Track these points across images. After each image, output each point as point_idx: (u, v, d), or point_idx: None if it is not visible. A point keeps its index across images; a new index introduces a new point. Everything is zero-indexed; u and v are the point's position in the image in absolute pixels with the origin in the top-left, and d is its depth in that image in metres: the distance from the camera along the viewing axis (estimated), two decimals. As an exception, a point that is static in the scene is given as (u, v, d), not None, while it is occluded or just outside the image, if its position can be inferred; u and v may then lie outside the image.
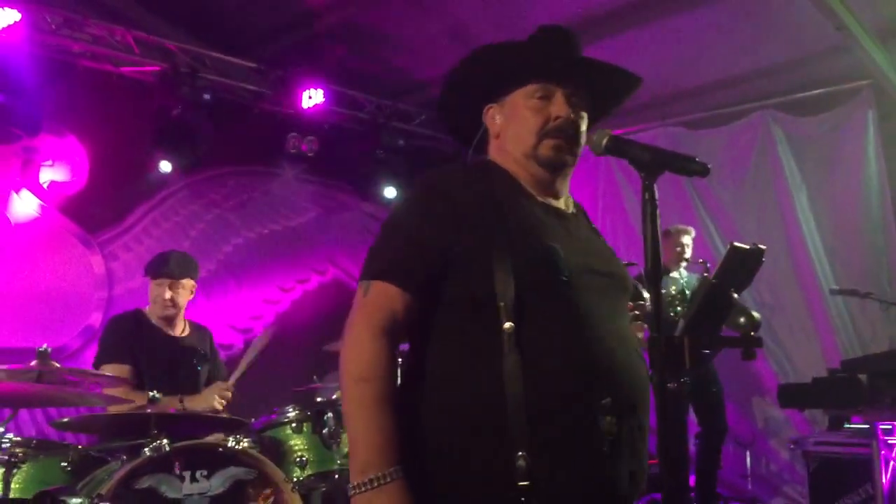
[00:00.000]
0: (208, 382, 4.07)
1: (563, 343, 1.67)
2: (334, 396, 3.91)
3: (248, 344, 6.34)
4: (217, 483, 2.95)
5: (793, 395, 5.10)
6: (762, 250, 1.83)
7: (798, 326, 5.98)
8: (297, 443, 3.51)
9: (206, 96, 5.88)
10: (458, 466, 1.65)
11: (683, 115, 6.49)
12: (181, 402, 3.62)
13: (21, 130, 5.33)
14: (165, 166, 5.94)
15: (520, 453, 1.57)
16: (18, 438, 3.09)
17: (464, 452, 1.65)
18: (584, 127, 1.90)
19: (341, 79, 6.61)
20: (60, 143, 5.69)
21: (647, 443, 1.76)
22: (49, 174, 5.64)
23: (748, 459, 5.84)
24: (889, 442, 4.41)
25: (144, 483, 2.83)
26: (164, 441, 2.89)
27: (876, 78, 5.74)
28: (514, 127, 1.88)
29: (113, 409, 3.57)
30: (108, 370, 3.67)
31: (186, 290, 4.06)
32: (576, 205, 2.00)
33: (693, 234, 5.54)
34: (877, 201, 5.75)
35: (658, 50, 5.99)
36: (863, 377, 4.64)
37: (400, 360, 1.81)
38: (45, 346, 3.10)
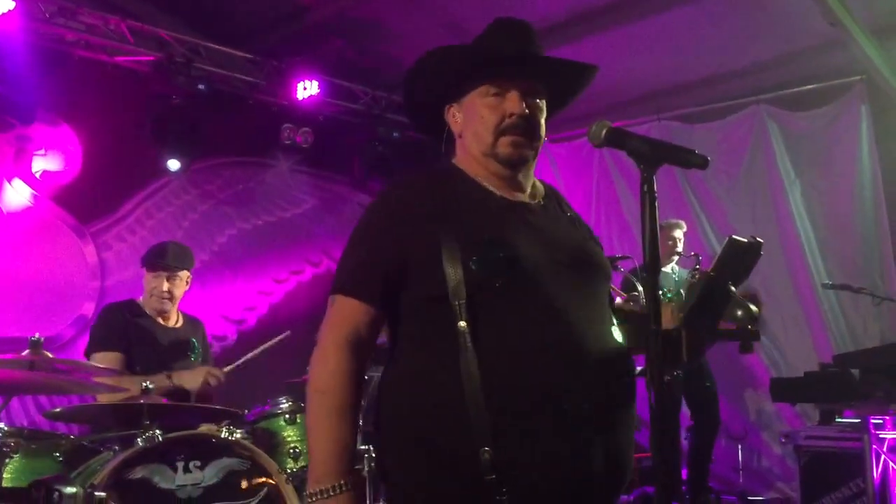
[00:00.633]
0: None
1: (519, 336, 1.69)
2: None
3: (241, 336, 6.35)
4: (210, 474, 2.94)
5: (785, 390, 5.12)
6: (760, 244, 1.83)
7: (790, 320, 6.00)
8: (291, 434, 3.50)
9: (201, 87, 5.86)
10: (430, 467, 1.70)
11: (678, 110, 6.49)
12: (169, 378, 3.63)
13: (14, 119, 5.30)
14: (174, 165, 5.91)
15: (484, 448, 1.60)
16: (10, 428, 3.08)
17: (433, 453, 1.69)
18: (542, 119, 1.90)
19: (337, 70, 6.60)
20: (54, 132, 5.66)
21: (629, 428, 1.77)
22: (42, 163, 5.62)
23: (740, 453, 5.86)
24: (880, 436, 4.42)
25: (137, 473, 2.82)
26: (157, 431, 2.89)
27: (869, 73, 5.76)
28: (471, 126, 1.89)
29: (105, 398, 3.57)
30: (100, 358, 3.66)
31: (183, 281, 4.05)
32: (547, 192, 1.99)
33: (685, 227, 5.55)
34: (870, 196, 5.76)
35: (653, 44, 5.99)
36: (854, 372, 4.66)
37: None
38: (37, 335, 3.09)
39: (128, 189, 6.04)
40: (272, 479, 3.05)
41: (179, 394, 3.70)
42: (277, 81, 6.31)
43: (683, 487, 5.18)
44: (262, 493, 3.02)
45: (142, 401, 3.02)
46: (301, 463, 3.44)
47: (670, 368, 1.57)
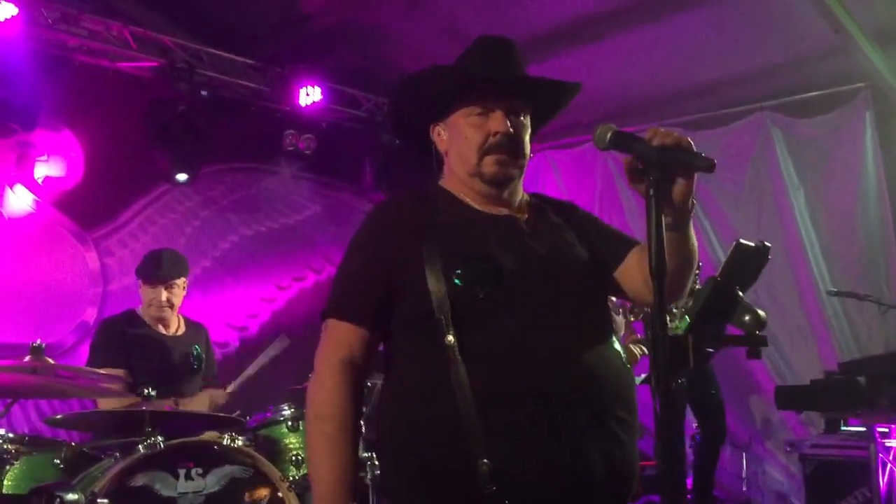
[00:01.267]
0: (201, 380, 4.04)
1: (506, 347, 1.70)
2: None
3: (244, 342, 6.34)
4: (212, 481, 2.93)
5: (790, 397, 5.09)
6: (768, 248, 1.81)
7: (795, 328, 5.97)
8: (293, 441, 3.47)
9: (204, 93, 5.87)
10: (427, 480, 1.71)
11: (682, 116, 6.47)
12: (176, 404, 3.62)
13: (16, 125, 5.29)
14: (182, 177, 5.91)
15: (483, 461, 1.60)
16: (11, 435, 3.06)
17: (430, 467, 1.70)
18: (526, 137, 1.92)
19: (339, 77, 6.60)
20: (56, 138, 5.66)
21: (630, 436, 1.76)
22: (44, 169, 5.61)
23: (744, 461, 5.83)
24: (886, 445, 4.41)
25: (139, 481, 2.81)
26: (159, 438, 2.87)
27: (874, 80, 5.74)
28: (456, 145, 1.92)
29: (105, 404, 3.55)
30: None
31: (180, 288, 4.04)
32: (534, 204, 2.00)
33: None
34: (874, 203, 5.74)
35: (656, 51, 5.99)
36: (860, 379, 4.64)
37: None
38: (38, 341, 3.08)
39: (130, 195, 6.02)
40: (274, 486, 3.04)
41: None
42: (280, 88, 6.29)
43: (689, 496, 5.15)
44: (264, 501, 3.00)
45: (144, 408, 3.01)
46: (303, 470, 3.41)
47: (676, 375, 1.55)
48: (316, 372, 1.82)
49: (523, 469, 1.63)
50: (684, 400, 5.06)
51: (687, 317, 1.92)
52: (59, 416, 3.24)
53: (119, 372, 3.72)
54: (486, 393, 1.65)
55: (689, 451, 5.37)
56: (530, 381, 1.67)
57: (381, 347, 1.91)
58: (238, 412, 3.63)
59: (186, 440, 3.05)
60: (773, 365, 5.96)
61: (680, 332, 1.95)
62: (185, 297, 4.12)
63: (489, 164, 1.86)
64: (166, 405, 3.54)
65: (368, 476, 3.34)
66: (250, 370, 3.99)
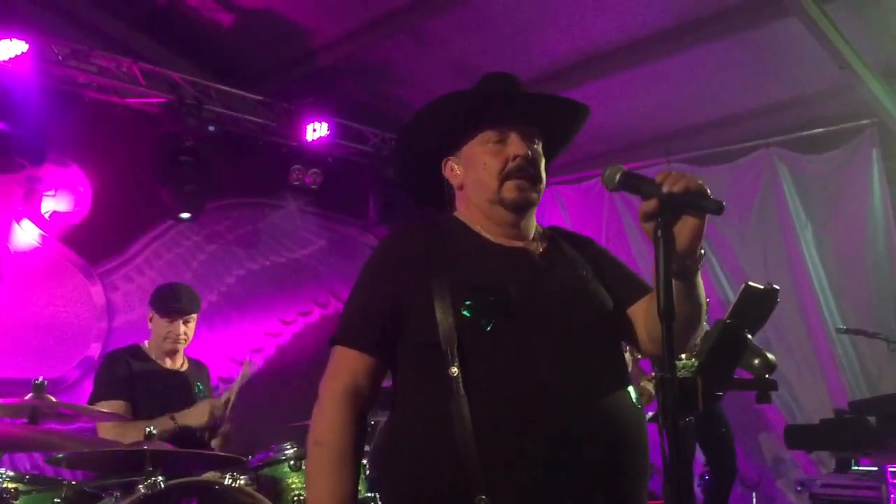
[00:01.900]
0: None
1: (511, 382, 1.67)
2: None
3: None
4: (213, 521, 2.88)
5: (800, 437, 5.02)
6: (777, 290, 1.79)
7: (804, 366, 5.92)
8: (295, 481, 3.43)
9: (211, 128, 5.89)
10: None
11: (688, 152, 6.48)
12: (173, 419, 3.59)
13: (25, 160, 5.32)
14: (185, 215, 5.93)
15: (481, 496, 1.58)
16: (11, 473, 3.03)
17: (427, 499, 1.68)
18: (542, 164, 1.91)
19: (346, 112, 6.63)
20: (64, 173, 5.68)
21: (640, 478, 1.72)
22: (51, 204, 5.63)
23: (754, 501, 5.75)
24: (898, 485, 4.33)
25: (139, 521, 2.76)
26: (160, 478, 2.84)
27: (880, 116, 5.75)
28: (474, 174, 1.90)
29: (105, 431, 3.53)
30: (104, 407, 3.62)
31: (194, 322, 4.04)
32: (549, 236, 1.98)
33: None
34: (882, 239, 5.72)
35: (662, 87, 6.01)
36: (871, 419, 4.57)
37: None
38: (41, 378, 3.06)
39: (136, 230, 6.03)
40: (276, 527, 2.99)
41: (186, 435, 3.65)
42: (287, 123, 6.33)
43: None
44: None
45: (145, 447, 2.98)
46: (306, 510, 3.37)
47: (683, 416, 1.52)
48: (320, 398, 1.81)
49: None
50: (693, 438, 5.01)
51: (695, 359, 1.90)
52: (60, 455, 3.20)
53: (121, 405, 3.69)
54: (488, 427, 1.63)
55: (698, 490, 5.31)
56: (533, 419, 1.64)
57: (387, 383, 1.89)
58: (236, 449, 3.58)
59: (187, 480, 3.00)
60: (782, 403, 5.90)
61: (690, 370, 1.92)
62: (190, 332, 4.11)
63: (510, 190, 1.85)
64: (164, 423, 3.52)
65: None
66: (229, 395, 3.94)
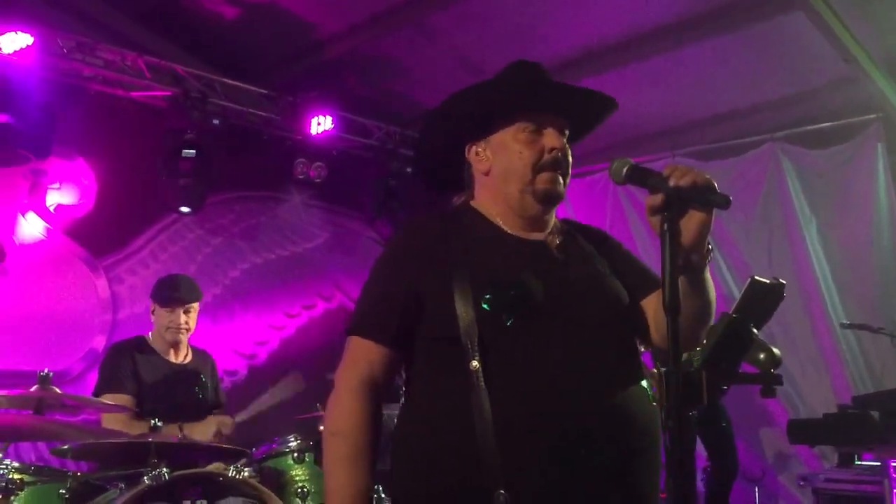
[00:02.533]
0: (209, 409, 4.03)
1: (531, 376, 1.67)
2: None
3: (252, 370, 6.32)
4: (217, 513, 2.90)
5: (803, 431, 5.03)
6: (783, 285, 1.79)
7: (808, 361, 5.92)
8: (299, 473, 3.45)
9: (216, 121, 5.89)
10: None
11: (693, 146, 6.47)
12: (181, 429, 3.59)
13: (30, 153, 5.32)
14: (184, 209, 5.94)
15: (500, 491, 1.57)
16: (17, 464, 3.05)
17: (445, 493, 1.67)
18: (570, 158, 1.90)
19: (350, 105, 6.64)
20: (69, 166, 5.70)
21: (653, 473, 1.72)
22: (56, 197, 5.64)
23: (757, 495, 5.75)
24: (901, 480, 4.33)
25: (144, 512, 2.78)
26: (164, 469, 2.85)
27: (885, 111, 5.74)
28: (505, 162, 1.87)
29: (110, 423, 3.54)
30: (108, 400, 3.63)
31: (196, 312, 4.05)
32: (566, 230, 1.97)
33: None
34: (887, 234, 5.71)
35: (668, 82, 6.01)
36: (874, 413, 4.57)
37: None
38: (46, 370, 3.07)
39: (141, 223, 6.04)
40: (280, 519, 3.01)
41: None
42: (291, 116, 6.33)
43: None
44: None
45: (150, 438, 2.99)
46: (309, 502, 3.39)
47: (688, 409, 1.52)
48: (336, 388, 1.80)
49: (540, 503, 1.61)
50: (695, 433, 5.01)
51: (688, 353, 1.90)
52: (65, 447, 3.22)
53: (125, 398, 3.70)
54: (508, 422, 1.62)
55: (700, 484, 5.31)
56: (552, 414, 1.64)
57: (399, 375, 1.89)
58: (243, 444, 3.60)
59: (192, 471, 3.03)
60: (786, 398, 5.90)
61: (695, 363, 1.93)
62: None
63: (543, 182, 1.84)
64: (171, 431, 3.53)
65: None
66: (264, 405, 3.96)
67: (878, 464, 4.48)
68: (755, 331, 1.79)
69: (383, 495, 3.22)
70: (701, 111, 6.37)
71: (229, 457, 3.35)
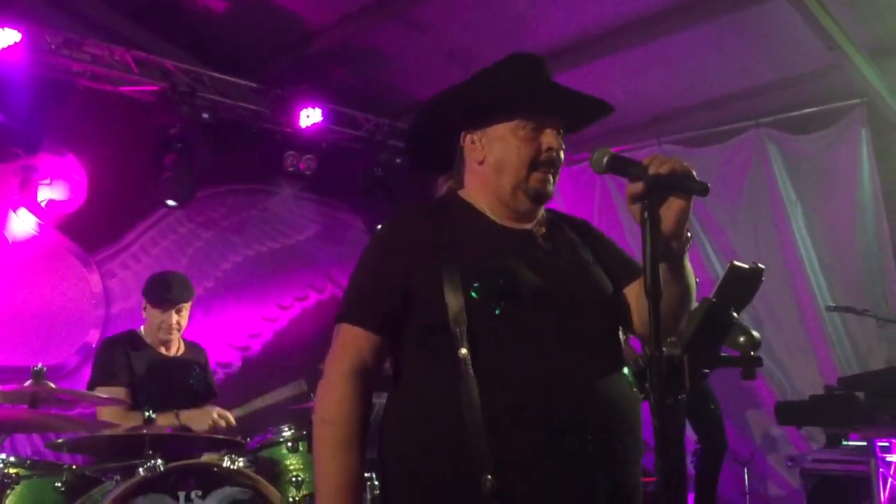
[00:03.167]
0: (202, 400, 4.06)
1: (520, 365, 1.69)
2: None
3: (246, 362, 6.35)
4: (212, 503, 2.93)
5: (790, 413, 5.08)
6: (761, 270, 1.84)
7: (795, 343, 5.98)
8: (293, 462, 3.48)
9: (205, 115, 5.90)
10: (430, 494, 1.70)
11: (678, 134, 6.51)
12: (177, 417, 3.63)
13: (20, 149, 5.33)
14: (171, 203, 5.95)
15: (487, 476, 1.60)
16: (12, 458, 3.08)
17: (435, 480, 1.69)
18: (562, 157, 1.93)
19: (340, 98, 6.65)
20: (59, 161, 5.70)
21: (635, 458, 1.77)
22: (47, 193, 5.65)
23: (746, 477, 5.81)
24: (887, 459, 4.40)
25: (139, 503, 2.81)
26: (159, 461, 2.88)
27: (869, 96, 5.78)
28: (501, 156, 1.88)
29: (105, 414, 3.57)
30: (103, 392, 3.66)
31: (188, 310, 4.06)
32: (552, 220, 2.00)
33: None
34: (871, 218, 5.76)
35: (653, 69, 6.03)
36: (860, 395, 4.63)
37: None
38: (40, 365, 3.10)
39: (132, 217, 6.06)
40: (275, 507, 3.04)
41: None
42: (281, 109, 6.34)
43: (690, 513, 5.14)
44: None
45: (144, 430, 3.02)
46: (304, 491, 3.42)
47: (672, 394, 1.57)
48: (326, 376, 1.80)
49: (527, 490, 1.64)
50: (684, 415, 5.06)
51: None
52: (60, 440, 3.25)
53: (120, 392, 3.73)
54: (496, 410, 1.64)
55: (690, 466, 5.37)
56: (541, 403, 1.67)
57: (386, 364, 1.90)
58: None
59: (186, 462, 3.06)
60: (773, 380, 5.96)
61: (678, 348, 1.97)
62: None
63: (536, 180, 1.86)
64: (168, 419, 3.56)
65: (369, 497, 3.35)
66: (259, 403, 3.98)
67: (865, 444, 4.56)
68: (735, 315, 1.84)
69: (377, 482, 3.26)
70: (686, 98, 6.40)
71: (224, 447, 3.38)
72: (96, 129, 5.84)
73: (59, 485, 3.04)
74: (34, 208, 5.59)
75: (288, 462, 3.49)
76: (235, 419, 3.87)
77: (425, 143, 2.08)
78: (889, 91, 5.79)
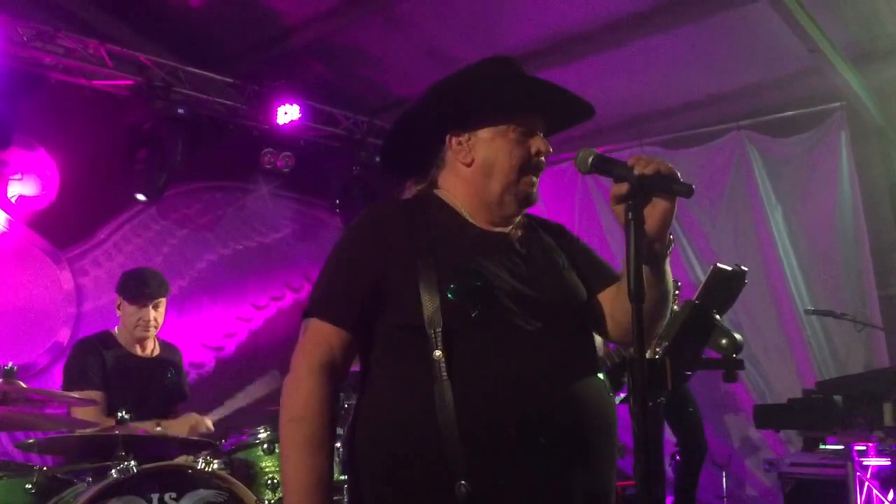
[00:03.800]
0: (177, 401, 4.00)
1: (494, 368, 1.66)
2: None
3: (219, 363, 6.27)
4: (186, 506, 2.88)
5: (768, 416, 5.10)
6: (745, 272, 1.82)
7: (773, 347, 6.00)
8: (269, 464, 3.44)
9: (181, 111, 5.80)
10: (404, 499, 1.66)
11: (660, 135, 6.52)
12: (158, 425, 3.56)
13: (-10, 143, 5.23)
14: (140, 197, 5.87)
15: (461, 482, 1.57)
16: (-20, 460, 3.00)
17: (406, 484, 1.65)
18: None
19: (317, 95, 6.59)
20: (30, 156, 5.60)
21: (610, 462, 1.75)
22: (18, 188, 5.54)
23: (724, 480, 5.82)
24: (864, 463, 4.41)
25: (111, 506, 2.75)
26: (132, 463, 2.82)
27: (849, 99, 5.82)
28: (490, 158, 1.85)
29: (80, 413, 3.50)
30: (77, 395, 3.58)
31: (164, 307, 3.99)
32: (527, 223, 1.97)
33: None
34: (850, 221, 5.80)
35: (634, 70, 6.03)
36: (838, 398, 4.65)
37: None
38: (10, 364, 3.03)
39: (105, 214, 5.96)
40: (249, 511, 2.99)
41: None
42: (258, 106, 6.27)
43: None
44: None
45: (116, 431, 2.96)
46: (279, 494, 3.38)
47: (653, 396, 1.54)
48: (293, 372, 1.74)
49: (502, 495, 1.61)
50: (663, 418, 5.06)
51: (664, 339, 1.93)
52: (31, 441, 3.18)
53: (95, 394, 3.66)
54: (470, 413, 1.61)
55: (669, 469, 5.37)
56: (516, 407, 1.63)
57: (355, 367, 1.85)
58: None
59: (160, 464, 2.99)
60: (751, 384, 5.98)
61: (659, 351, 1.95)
62: (160, 318, 4.07)
63: (526, 184, 1.85)
64: (148, 428, 3.50)
65: (345, 500, 3.30)
66: (236, 403, 3.92)
67: (842, 448, 4.57)
68: (718, 317, 1.82)
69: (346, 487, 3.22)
70: (667, 100, 6.42)
71: (198, 449, 3.32)
72: (69, 123, 5.73)
73: (30, 486, 2.97)
74: (4, 204, 5.48)
75: (263, 464, 3.45)
76: (213, 423, 3.81)
77: (404, 146, 2.03)
78: (869, 95, 5.83)
